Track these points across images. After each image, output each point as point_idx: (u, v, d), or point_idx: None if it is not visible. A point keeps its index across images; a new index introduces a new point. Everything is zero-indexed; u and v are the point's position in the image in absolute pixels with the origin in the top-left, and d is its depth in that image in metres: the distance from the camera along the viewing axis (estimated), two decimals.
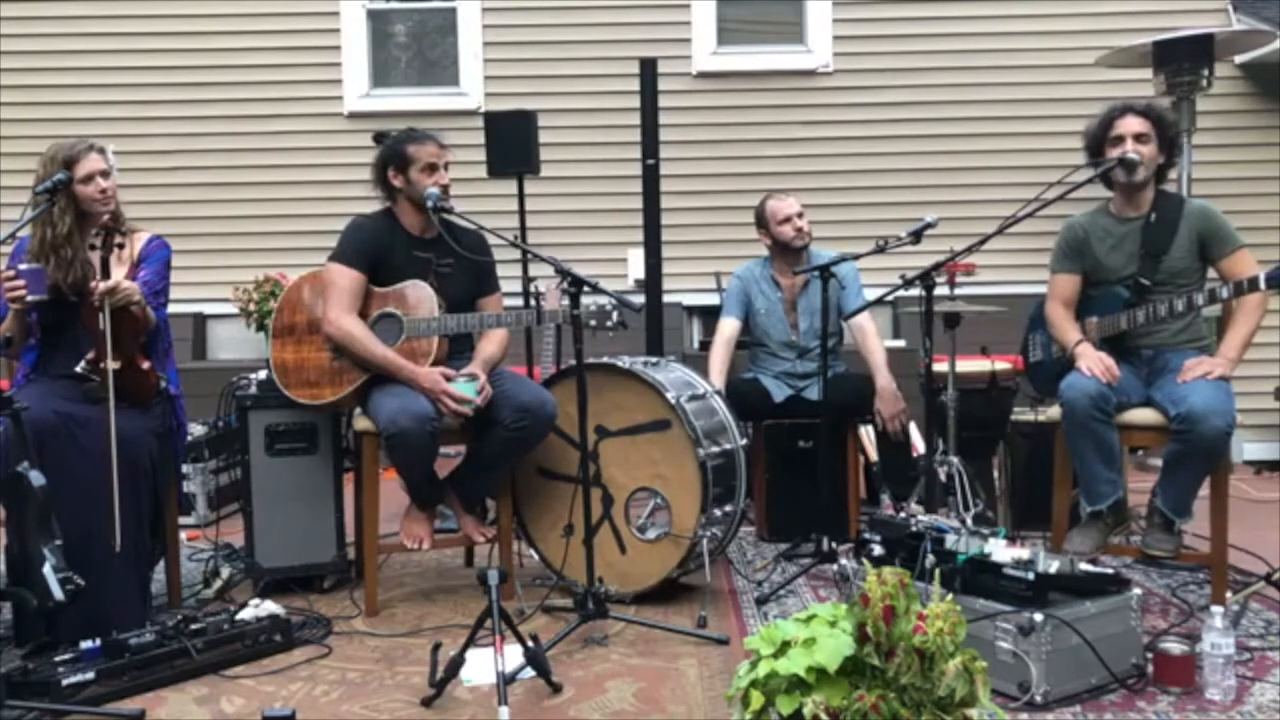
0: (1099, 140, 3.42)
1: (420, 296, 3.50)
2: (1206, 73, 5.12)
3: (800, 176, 5.84)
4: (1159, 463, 3.34)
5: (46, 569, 2.74)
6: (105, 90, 6.19)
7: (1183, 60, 5.10)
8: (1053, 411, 3.44)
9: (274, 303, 4.33)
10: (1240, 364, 3.29)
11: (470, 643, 2.80)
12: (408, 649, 3.19)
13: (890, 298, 4.13)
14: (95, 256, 3.09)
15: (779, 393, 4.31)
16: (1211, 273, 3.45)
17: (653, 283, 4.79)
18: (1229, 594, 3.30)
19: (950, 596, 2.28)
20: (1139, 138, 3.35)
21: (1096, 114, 3.49)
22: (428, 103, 6.16)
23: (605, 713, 2.71)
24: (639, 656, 3.08)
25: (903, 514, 3.89)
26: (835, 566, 3.46)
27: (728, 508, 3.59)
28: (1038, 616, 2.61)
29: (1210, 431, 3.07)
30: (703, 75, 6.25)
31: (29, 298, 3.05)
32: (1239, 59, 5.95)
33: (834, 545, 3.76)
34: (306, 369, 3.54)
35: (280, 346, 3.58)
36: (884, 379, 4.16)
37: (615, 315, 3.29)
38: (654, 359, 3.84)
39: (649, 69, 4.73)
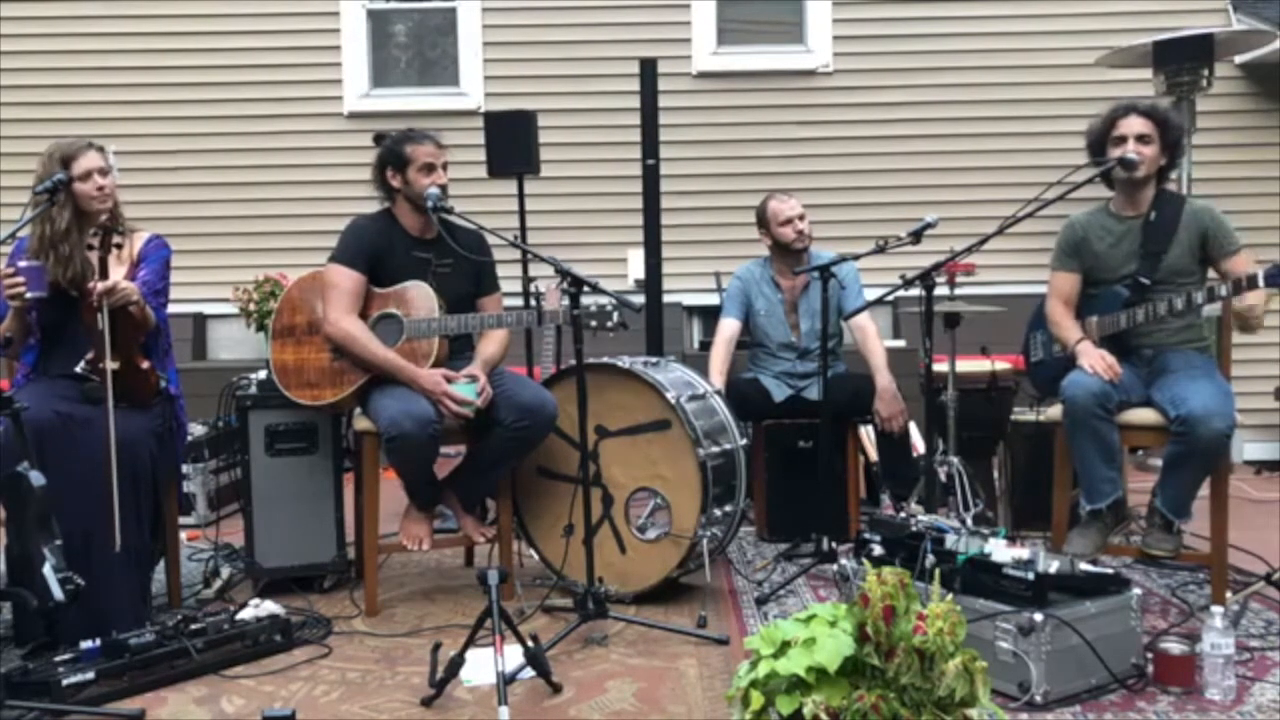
0: (1101, 139, 3.42)
1: (420, 297, 3.50)
2: (1206, 73, 5.12)
3: (800, 176, 5.85)
4: (1159, 463, 3.34)
5: (46, 569, 2.73)
6: (105, 90, 6.19)
7: (1183, 60, 5.10)
8: (1053, 411, 3.44)
9: (274, 303, 4.33)
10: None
11: (470, 643, 2.80)
12: (408, 649, 3.19)
13: (890, 298, 4.13)
14: (93, 256, 3.09)
15: (779, 393, 4.31)
16: (1213, 271, 3.45)
17: (653, 283, 4.79)
18: (1229, 594, 3.30)
19: (950, 596, 2.28)
20: (1141, 138, 3.35)
21: (1098, 113, 3.49)
22: (428, 103, 6.16)
23: (605, 713, 2.71)
24: (639, 656, 3.08)
25: (903, 514, 3.90)
26: (835, 566, 3.46)
27: (728, 508, 3.59)
28: (1038, 616, 2.61)
29: (1210, 433, 3.07)
30: (703, 75, 6.25)
31: (29, 295, 3.05)
32: (1239, 59, 5.96)
33: (834, 545, 3.76)
34: (306, 370, 3.54)
35: (280, 347, 3.58)
36: (884, 379, 4.16)
37: (615, 316, 3.29)
38: (654, 359, 3.85)
39: (649, 69, 4.73)
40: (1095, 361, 3.27)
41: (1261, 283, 3.11)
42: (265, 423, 3.65)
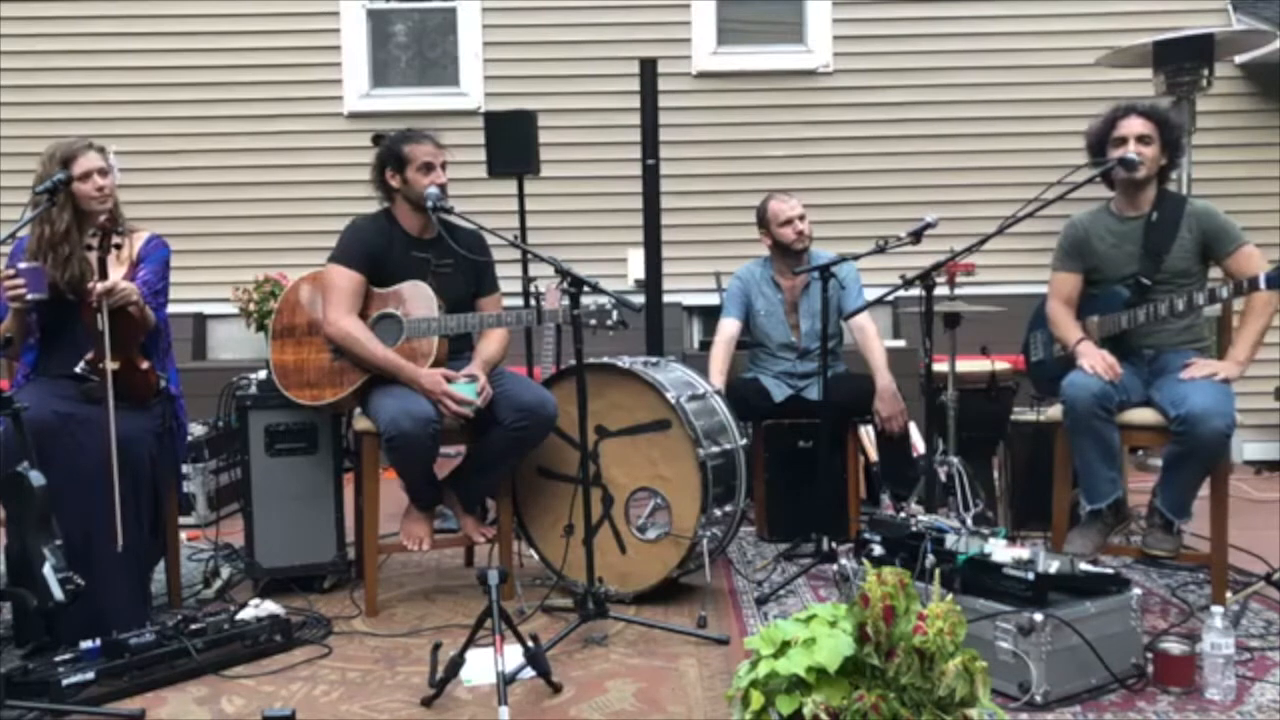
0: (1101, 139, 3.42)
1: (420, 297, 3.50)
2: (1206, 73, 5.13)
3: (800, 176, 5.84)
4: (1159, 463, 3.34)
5: (46, 569, 2.74)
6: (105, 90, 6.19)
7: (1183, 60, 5.11)
8: (1053, 411, 3.44)
9: (274, 303, 4.33)
10: None
11: (470, 643, 2.80)
12: (408, 649, 3.19)
13: (890, 298, 4.13)
14: (92, 257, 3.09)
15: (779, 392, 4.31)
16: (1214, 271, 3.45)
17: (653, 283, 4.79)
18: (1229, 594, 3.30)
19: (950, 596, 2.28)
20: (1141, 139, 3.35)
21: (1099, 114, 3.50)
22: (428, 103, 6.16)
23: (605, 713, 2.71)
24: (639, 656, 3.08)
25: (903, 514, 3.90)
26: (835, 566, 3.46)
27: (728, 508, 3.59)
28: (1038, 616, 2.61)
29: (1210, 433, 3.07)
30: (703, 75, 6.24)
31: (29, 296, 3.05)
32: (1239, 59, 5.95)
33: (834, 545, 3.76)
34: (306, 370, 3.54)
35: (280, 348, 3.58)
36: (884, 379, 4.16)
37: (615, 314, 3.29)
38: (654, 359, 3.85)
39: (649, 69, 4.73)
40: (1095, 362, 3.27)
41: (1263, 285, 3.12)
42: (265, 423, 3.65)
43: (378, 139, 3.81)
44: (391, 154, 3.55)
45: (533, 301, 4.57)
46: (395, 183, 3.55)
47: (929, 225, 3.60)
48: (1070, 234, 3.53)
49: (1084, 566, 2.85)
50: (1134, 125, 3.36)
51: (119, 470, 3.05)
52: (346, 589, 3.73)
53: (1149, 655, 2.82)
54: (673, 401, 3.47)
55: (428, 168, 3.51)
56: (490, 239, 3.63)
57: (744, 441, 3.71)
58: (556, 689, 2.81)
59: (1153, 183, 3.43)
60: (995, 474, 4.44)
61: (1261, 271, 3.16)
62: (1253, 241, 3.40)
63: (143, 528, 3.21)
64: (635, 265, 5.81)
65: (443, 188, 3.49)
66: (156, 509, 3.33)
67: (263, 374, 3.71)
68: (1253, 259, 3.32)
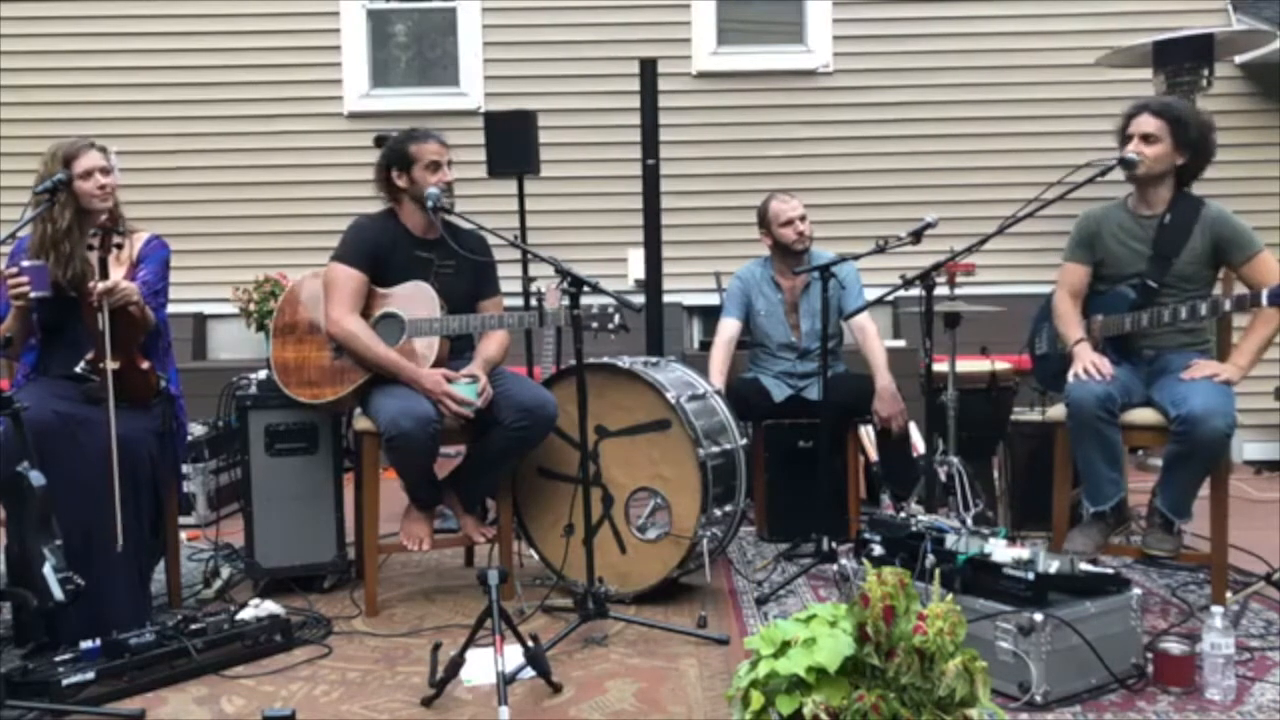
0: (1120, 136, 3.42)
1: (422, 297, 3.50)
2: (1206, 73, 5.13)
3: (801, 176, 5.84)
4: (1159, 463, 3.34)
5: (46, 569, 2.74)
6: (105, 90, 6.19)
7: (1183, 60, 5.11)
8: (1053, 411, 3.44)
9: (274, 303, 4.34)
10: None
11: (470, 643, 2.80)
12: (408, 649, 3.19)
13: (890, 298, 4.14)
14: (93, 257, 3.09)
15: (779, 392, 4.31)
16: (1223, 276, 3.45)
17: (653, 283, 4.79)
18: (1229, 594, 3.30)
19: (950, 596, 2.28)
20: (1146, 138, 3.33)
21: (1112, 113, 3.49)
22: (428, 103, 6.16)
23: (605, 713, 2.71)
24: (639, 656, 3.08)
25: (903, 514, 3.90)
26: (835, 566, 3.46)
27: (728, 508, 3.59)
28: (1038, 616, 2.61)
29: (1210, 433, 3.07)
30: (703, 75, 6.25)
31: (33, 294, 3.05)
32: (1239, 59, 5.96)
33: (834, 545, 3.76)
34: (307, 368, 3.54)
35: (281, 345, 3.58)
36: (884, 379, 4.16)
37: (617, 318, 3.28)
38: (654, 359, 3.85)
39: (649, 69, 4.72)
40: (1087, 365, 3.27)
41: (1265, 302, 3.11)
42: (265, 423, 3.65)
43: (380, 141, 3.81)
44: (397, 154, 3.54)
45: (533, 301, 4.57)
46: (402, 183, 3.55)
47: (929, 225, 3.60)
48: (1084, 225, 3.52)
49: (1084, 566, 2.85)
50: (1141, 124, 3.34)
51: (119, 470, 3.04)
52: (346, 589, 3.73)
53: (1149, 655, 2.82)
54: (673, 401, 3.47)
55: (435, 166, 3.51)
56: (490, 239, 3.63)
57: (744, 441, 3.70)
58: (556, 689, 2.81)
59: (1167, 183, 3.39)
60: (995, 474, 4.44)
61: (1264, 290, 3.15)
62: None
63: (143, 528, 3.21)
64: (635, 265, 5.81)
65: (449, 185, 3.49)
66: (157, 509, 3.33)
67: (263, 374, 3.71)
68: (1268, 266, 3.28)
